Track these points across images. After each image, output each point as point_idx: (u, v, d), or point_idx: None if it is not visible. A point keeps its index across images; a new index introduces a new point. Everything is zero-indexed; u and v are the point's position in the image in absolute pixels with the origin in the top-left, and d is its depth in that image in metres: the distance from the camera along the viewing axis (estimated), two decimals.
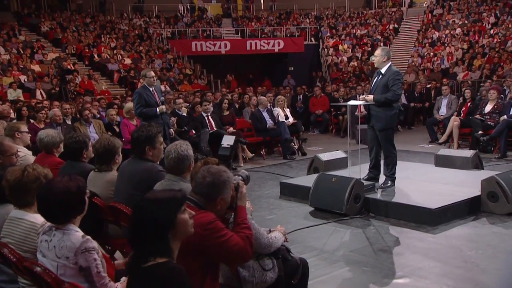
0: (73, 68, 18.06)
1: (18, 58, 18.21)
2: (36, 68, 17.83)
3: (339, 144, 11.47)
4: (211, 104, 10.00)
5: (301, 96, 14.45)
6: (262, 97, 10.43)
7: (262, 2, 29.68)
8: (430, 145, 10.55)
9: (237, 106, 11.77)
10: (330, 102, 13.01)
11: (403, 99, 13.73)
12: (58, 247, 2.55)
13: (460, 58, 19.54)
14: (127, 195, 3.70)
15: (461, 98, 10.80)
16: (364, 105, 6.84)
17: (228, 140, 3.05)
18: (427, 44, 22.14)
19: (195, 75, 20.25)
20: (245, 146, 9.25)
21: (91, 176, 4.08)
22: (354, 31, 24.96)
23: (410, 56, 21.74)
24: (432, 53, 20.99)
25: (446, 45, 21.36)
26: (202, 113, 9.20)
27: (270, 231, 3.49)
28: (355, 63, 21.46)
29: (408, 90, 14.47)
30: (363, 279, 4.22)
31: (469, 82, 16.34)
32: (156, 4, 26.73)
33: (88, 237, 2.58)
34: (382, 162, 6.72)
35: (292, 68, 23.82)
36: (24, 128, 5.31)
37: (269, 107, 10.47)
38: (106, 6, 25.84)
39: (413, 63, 20.51)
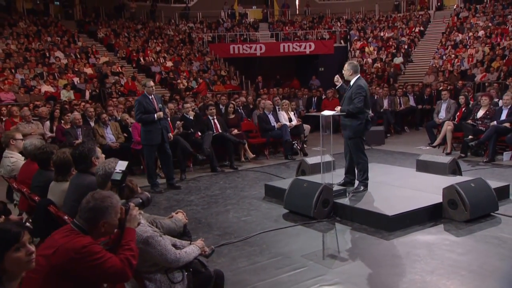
0: (120, 70, 18.50)
1: (75, 62, 18.78)
2: (89, 70, 18.32)
3: (342, 144, 11.23)
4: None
5: (315, 98, 14.16)
6: (267, 101, 10.31)
7: (297, 7, 29.28)
8: (428, 147, 10.13)
9: (251, 106, 11.67)
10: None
11: (411, 101, 13.27)
12: None
13: (480, 60, 18.63)
14: (70, 205, 3.73)
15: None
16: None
17: (121, 166, 2.99)
18: (449, 46, 21.20)
19: (228, 76, 20.24)
20: (246, 147, 9.21)
21: (51, 185, 4.16)
22: (381, 34, 24.24)
23: (432, 58, 20.87)
24: (453, 55, 20.10)
25: (468, 47, 20.39)
26: (209, 116, 9.21)
27: (190, 243, 3.45)
28: (379, 65, 20.84)
29: (417, 92, 13.86)
30: (297, 285, 4.10)
31: (481, 86, 15.58)
32: (200, 11, 26.94)
33: None
34: None
35: (323, 69, 23.44)
36: (19, 136, 5.48)
37: (277, 109, 10.35)
38: (156, 13, 26.19)
39: (433, 65, 19.71)
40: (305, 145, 10.07)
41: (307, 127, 10.34)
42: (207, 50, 22.89)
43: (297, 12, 29.01)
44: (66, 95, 15.78)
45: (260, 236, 5.35)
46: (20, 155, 5.38)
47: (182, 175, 8.22)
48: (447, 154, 9.19)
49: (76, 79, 17.13)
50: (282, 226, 5.67)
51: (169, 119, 8.65)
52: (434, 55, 20.87)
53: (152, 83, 7.25)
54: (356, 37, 24.23)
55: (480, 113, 8.95)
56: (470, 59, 19.24)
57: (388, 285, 4.03)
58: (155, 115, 7.08)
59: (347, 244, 5.08)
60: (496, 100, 9.49)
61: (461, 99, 9.64)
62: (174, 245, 3.37)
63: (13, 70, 16.80)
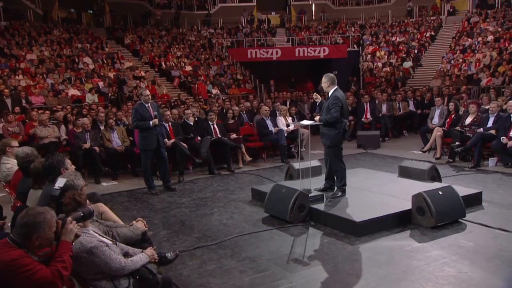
0: (142, 74, 18.75)
1: (101, 67, 19.12)
2: (113, 75, 18.60)
3: None
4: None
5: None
6: (263, 107, 10.30)
7: (313, 13, 29.04)
8: (420, 152, 9.94)
9: (255, 111, 11.66)
10: None
11: (411, 106, 13.06)
12: None
13: (487, 65, 18.13)
14: None
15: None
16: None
17: (59, 183, 3.08)
18: (458, 51, 20.70)
19: (244, 80, 20.27)
20: (244, 150, 9.23)
21: (29, 192, 4.27)
22: (393, 39, 23.85)
23: (440, 62, 20.43)
24: (461, 60, 19.62)
25: (476, 51, 19.87)
26: (209, 122, 9.28)
27: (142, 252, 3.51)
28: (388, 69, 20.53)
29: (418, 98, 13.59)
30: None
31: (486, 90, 15.16)
32: (221, 17, 27.06)
33: None
34: None
35: (336, 72, 23.20)
36: (15, 143, 5.66)
37: (277, 114, 10.36)
38: (179, 20, 26.43)
39: (441, 69, 19.29)
40: (302, 149, 10.04)
41: (306, 131, 10.28)
42: (226, 54, 22.98)
43: (314, 18, 28.78)
44: (90, 98, 16.09)
45: (235, 240, 5.37)
46: (16, 162, 5.55)
47: (180, 177, 8.31)
48: (437, 159, 9.05)
49: (100, 83, 17.44)
50: (258, 230, 5.68)
51: (170, 123, 8.77)
52: (442, 60, 20.41)
53: (148, 92, 7.36)
54: (368, 42, 23.93)
55: (468, 120, 8.76)
56: (478, 63, 18.77)
57: None
58: (151, 122, 7.18)
59: (314, 248, 5.07)
60: (487, 107, 9.23)
61: (451, 106, 9.44)
62: (127, 253, 3.46)
63: (44, 75, 17.24)
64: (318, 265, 4.60)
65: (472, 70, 18.47)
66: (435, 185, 6.40)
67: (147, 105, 7.30)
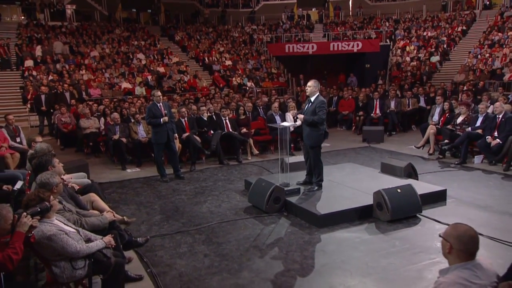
0: (185, 69, 19.34)
1: (152, 62, 19.89)
2: (161, 69, 19.34)
3: (347, 141, 11.12)
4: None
5: (336, 97, 13.91)
6: (274, 103, 10.45)
7: (350, 9, 28.34)
8: (415, 147, 9.72)
9: None
10: (355, 104, 12.56)
11: (422, 102, 12.69)
12: None
13: None
14: None
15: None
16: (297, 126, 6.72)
17: (18, 185, 3.50)
18: (486, 46, 19.58)
19: (278, 73, 20.35)
20: (251, 143, 9.49)
21: (33, 184, 4.79)
22: (424, 34, 22.88)
23: (467, 57, 19.44)
24: (487, 54, 18.57)
25: (504, 46, 18.72)
26: (222, 117, 9.60)
27: (101, 238, 3.92)
28: (415, 63, 19.81)
29: (430, 94, 13.15)
30: (207, 269, 4.43)
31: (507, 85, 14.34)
32: (264, 14, 27.09)
33: None
34: None
35: (369, 65, 22.81)
36: (39, 139, 6.26)
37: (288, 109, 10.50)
38: (225, 17, 26.75)
39: (467, 64, 18.38)
40: None
41: None
42: (265, 49, 23.10)
43: (350, 14, 28.11)
44: (139, 91, 16.91)
45: (213, 226, 5.66)
46: None
47: (192, 166, 8.72)
48: (430, 154, 8.92)
49: (149, 77, 18.21)
50: (237, 218, 5.96)
51: (186, 118, 9.19)
52: (469, 54, 19.42)
53: (159, 93, 7.76)
54: (400, 36, 23.13)
55: (460, 119, 8.51)
56: (504, 58, 17.72)
57: (273, 275, 4.26)
58: (161, 120, 7.60)
59: (277, 237, 5.27)
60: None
61: (446, 105, 9.17)
62: (89, 239, 3.89)
63: (103, 70, 18.25)
64: (272, 252, 4.83)
65: (496, 65, 17.48)
66: (407, 181, 6.39)
67: (159, 105, 7.72)
